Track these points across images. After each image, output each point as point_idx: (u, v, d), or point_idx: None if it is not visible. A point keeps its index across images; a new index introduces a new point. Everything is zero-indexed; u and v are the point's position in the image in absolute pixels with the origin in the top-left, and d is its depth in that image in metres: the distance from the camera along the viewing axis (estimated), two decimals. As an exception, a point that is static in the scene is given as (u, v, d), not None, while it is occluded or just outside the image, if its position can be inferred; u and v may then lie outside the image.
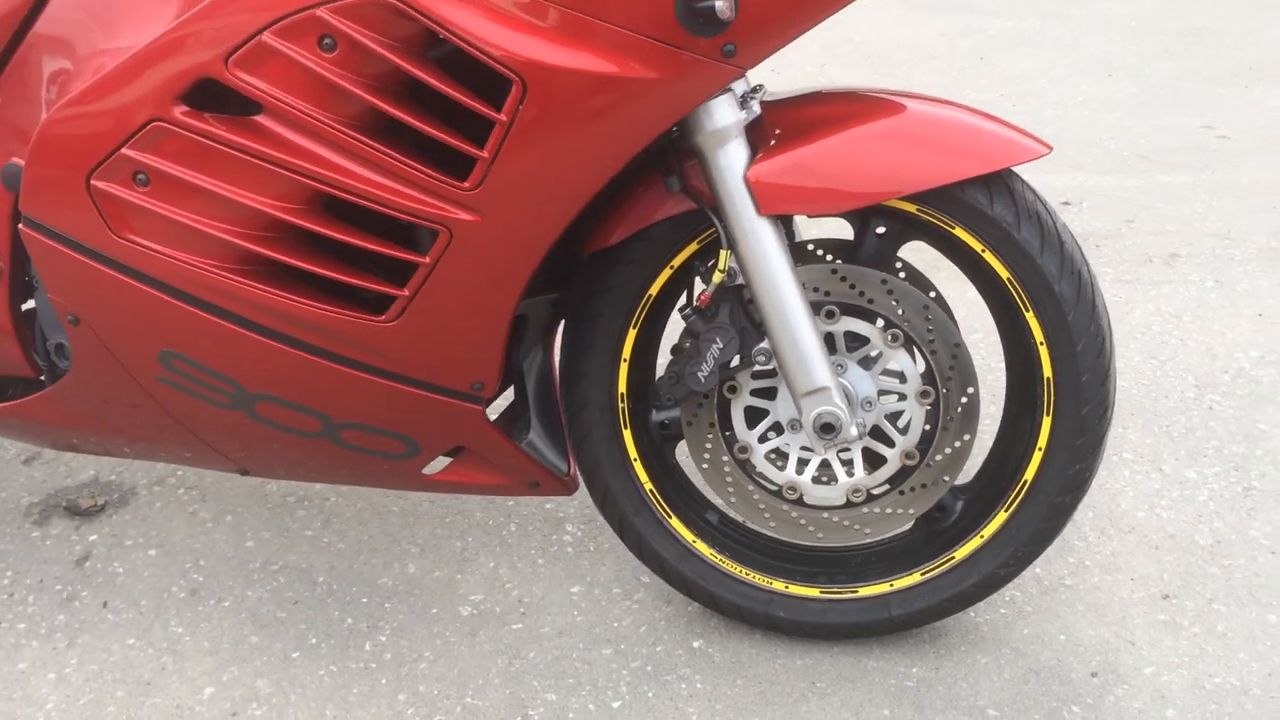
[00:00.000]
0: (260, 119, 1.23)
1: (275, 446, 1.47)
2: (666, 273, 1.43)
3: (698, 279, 1.42)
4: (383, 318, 1.32)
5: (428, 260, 1.27)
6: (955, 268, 1.44)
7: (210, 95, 1.24)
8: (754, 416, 1.47)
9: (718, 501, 1.59)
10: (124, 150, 1.26)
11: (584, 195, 1.25)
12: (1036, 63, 4.10)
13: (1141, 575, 1.68)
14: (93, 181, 1.28)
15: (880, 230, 1.42)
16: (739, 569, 1.54)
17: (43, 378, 1.53)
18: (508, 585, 1.70)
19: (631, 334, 1.46)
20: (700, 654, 1.57)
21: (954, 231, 1.36)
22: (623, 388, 1.49)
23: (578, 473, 1.55)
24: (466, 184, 1.22)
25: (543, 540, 1.79)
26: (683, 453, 1.59)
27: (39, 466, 1.96)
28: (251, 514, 1.84)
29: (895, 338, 1.40)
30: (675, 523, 1.54)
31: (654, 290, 1.44)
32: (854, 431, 1.39)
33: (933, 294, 1.45)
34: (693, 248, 1.42)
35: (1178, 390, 2.13)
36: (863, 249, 1.43)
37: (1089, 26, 4.48)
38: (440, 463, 1.50)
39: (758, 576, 1.54)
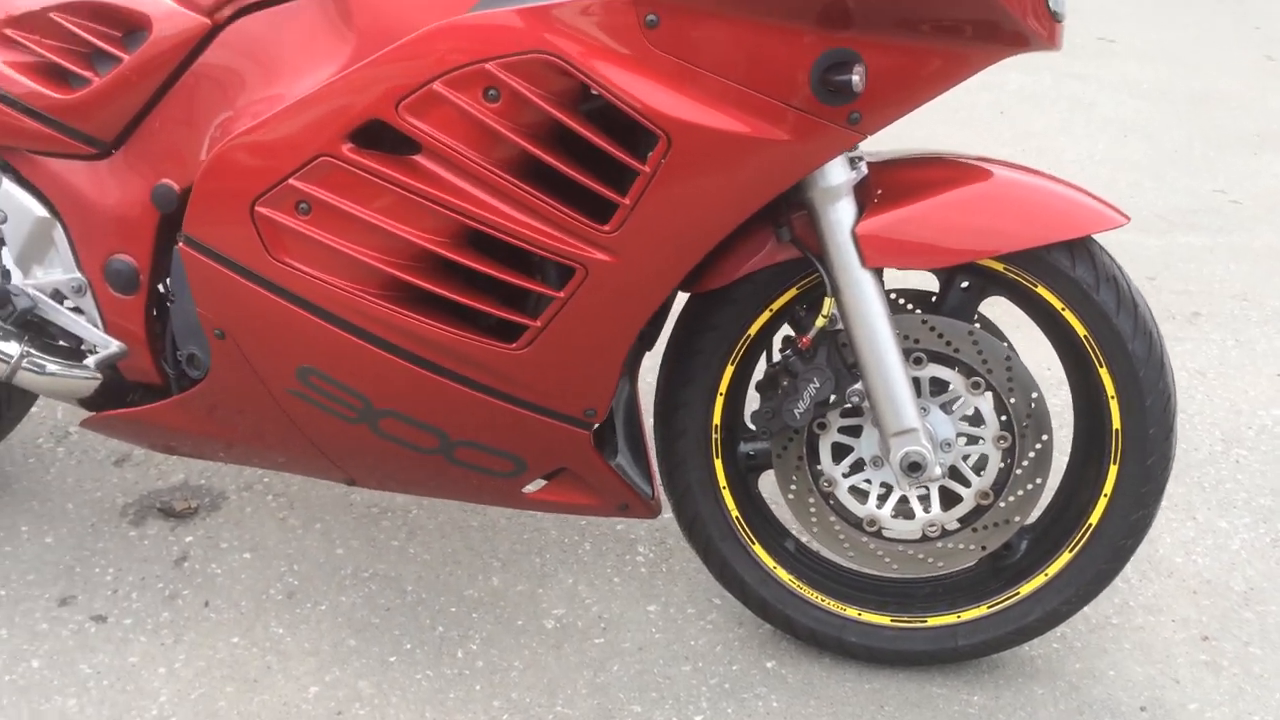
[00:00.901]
0: (418, 158, 1.34)
1: (390, 460, 1.57)
2: (766, 314, 1.54)
3: (793, 321, 1.54)
4: (513, 345, 1.42)
5: (563, 295, 1.38)
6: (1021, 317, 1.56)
7: (373, 134, 1.34)
8: (838, 452, 1.58)
9: (796, 530, 1.70)
10: (291, 180, 1.36)
11: (710, 242, 1.36)
12: (1054, 120, 4.25)
13: (1181, 617, 1.80)
14: (257, 207, 1.38)
15: (964, 284, 1.54)
16: (815, 595, 1.65)
17: (168, 385, 1.63)
18: (587, 601, 1.80)
19: (730, 369, 1.57)
20: (774, 674, 1.67)
21: (1036, 289, 1.48)
22: (717, 419, 1.59)
23: (661, 496, 1.65)
24: (607, 227, 1.33)
25: (617, 560, 1.89)
26: (763, 482, 1.69)
27: (130, 468, 2.05)
28: (339, 522, 1.94)
29: (977, 385, 1.51)
30: (758, 549, 1.64)
31: (753, 330, 1.55)
32: (938, 471, 1.50)
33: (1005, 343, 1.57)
34: (792, 292, 1.53)
35: (1206, 444, 2.25)
36: (946, 301, 1.55)
37: (1102, 85, 4.64)
38: (537, 482, 1.60)
39: (832, 603, 1.65)
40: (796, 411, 1.50)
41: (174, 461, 2.06)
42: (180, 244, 1.45)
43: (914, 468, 1.49)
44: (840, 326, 1.49)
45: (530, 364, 1.43)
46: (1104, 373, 1.49)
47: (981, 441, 1.54)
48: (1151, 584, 1.86)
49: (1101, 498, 1.54)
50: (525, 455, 1.54)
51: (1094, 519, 1.55)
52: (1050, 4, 1.31)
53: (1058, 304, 1.48)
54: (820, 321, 1.47)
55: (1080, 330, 1.48)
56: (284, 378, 1.49)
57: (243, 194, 1.39)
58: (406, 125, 1.32)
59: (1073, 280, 1.46)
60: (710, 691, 1.64)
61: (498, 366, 1.44)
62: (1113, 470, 1.53)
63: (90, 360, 1.57)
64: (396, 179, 1.34)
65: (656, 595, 1.82)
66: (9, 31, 1.51)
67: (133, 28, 1.48)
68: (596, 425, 1.51)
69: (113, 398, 1.69)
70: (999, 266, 1.47)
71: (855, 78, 1.24)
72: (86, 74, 1.49)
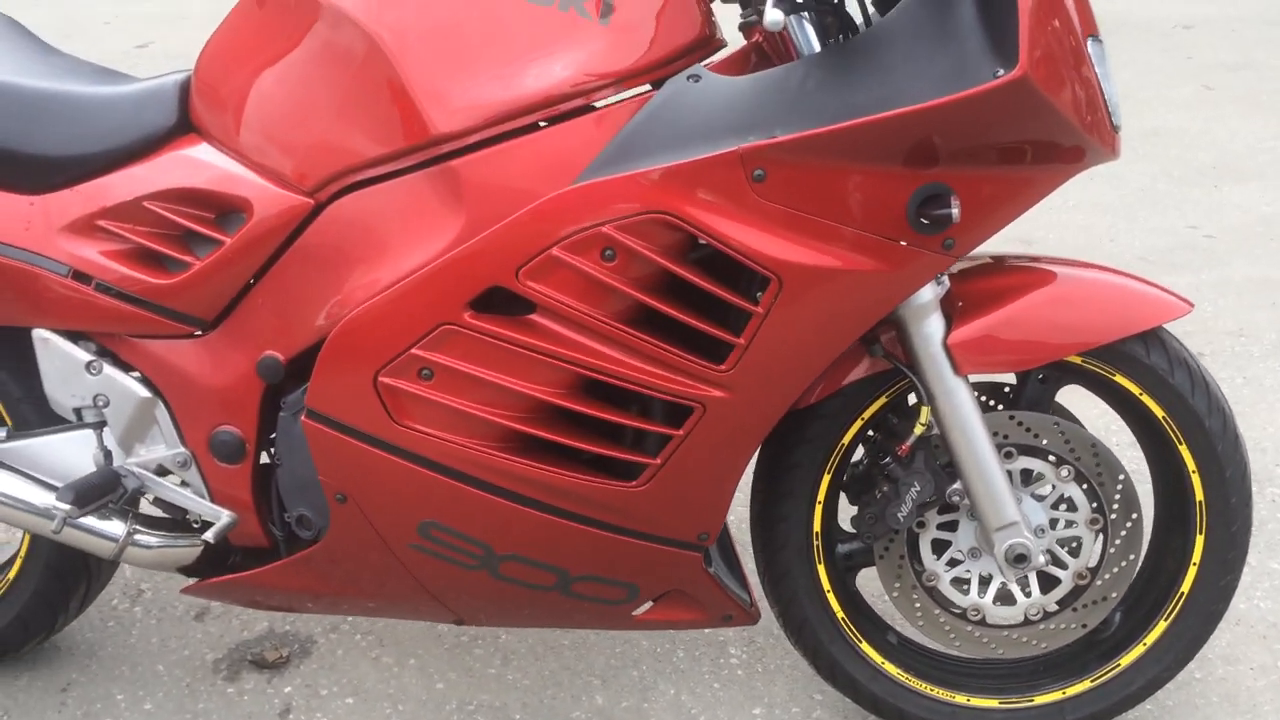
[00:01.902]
0: (535, 317, 1.40)
1: (507, 600, 1.60)
2: (858, 424, 1.61)
3: (885, 428, 1.61)
4: (634, 483, 1.47)
5: (681, 432, 1.44)
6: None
7: (489, 297, 1.40)
8: (937, 547, 1.64)
9: (895, 623, 1.76)
10: (414, 350, 1.41)
11: (818, 369, 1.43)
12: (1019, 168, 4.40)
13: (1259, 664, 1.88)
14: (381, 378, 1.43)
15: (1041, 378, 1.62)
16: (924, 685, 1.71)
17: (276, 547, 1.65)
18: (693, 711, 1.84)
19: (826, 479, 1.63)
20: (890, 765, 1.72)
21: (1114, 378, 1.57)
22: (817, 527, 1.66)
23: (757, 601, 1.70)
24: (723, 366, 1.40)
25: (712, 665, 1.93)
26: (860, 579, 1.75)
27: (211, 621, 2.06)
28: (432, 655, 1.96)
29: (1068, 473, 1.59)
30: (865, 647, 1.70)
31: (846, 440, 1.62)
32: (1041, 560, 1.57)
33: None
34: (881, 401, 1.60)
35: (1239, 485, 2.35)
36: (1024, 394, 1.63)
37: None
38: (645, 604, 1.64)
39: (941, 691, 1.71)
40: (900, 515, 1.57)
41: (252, 613, 2.07)
42: (303, 417, 1.48)
43: (1020, 559, 1.56)
44: (934, 430, 1.56)
45: (650, 499, 1.49)
46: (1184, 449, 1.58)
47: (1075, 525, 1.61)
48: (1223, 634, 1.94)
49: (1191, 566, 1.62)
50: (639, 582, 1.59)
51: (1186, 587, 1.63)
52: (1112, 119, 1.41)
53: (1135, 389, 1.57)
54: (919, 429, 1.54)
55: (1159, 412, 1.57)
56: (406, 534, 1.53)
57: (366, 366, 1.43)
58: (527, 290, 1.37)
59: (1149, 367, 1.55)
60: (834, 791, 1.68)
61: (618, 504, 1.49)
62: (1199, 540, 1.61)
63: (209, 532, 1.59)
64: (516, 339, 1.40)
65: (759, 697, 1.86)
66: (102, 222, 1.54)
67: (229, 210, 1.52)
68: (710, 546, 1.57)
69: (213, 563, 1.72)
70: (1077, 359, 1.56)
71: (954, 210, 1.32)
72: (185, 258, 1.53)
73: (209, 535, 1.59)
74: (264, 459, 1.62)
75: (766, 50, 1.51)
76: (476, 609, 1.65)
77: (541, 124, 1.40)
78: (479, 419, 1.44)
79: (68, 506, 1.54)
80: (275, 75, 1.49)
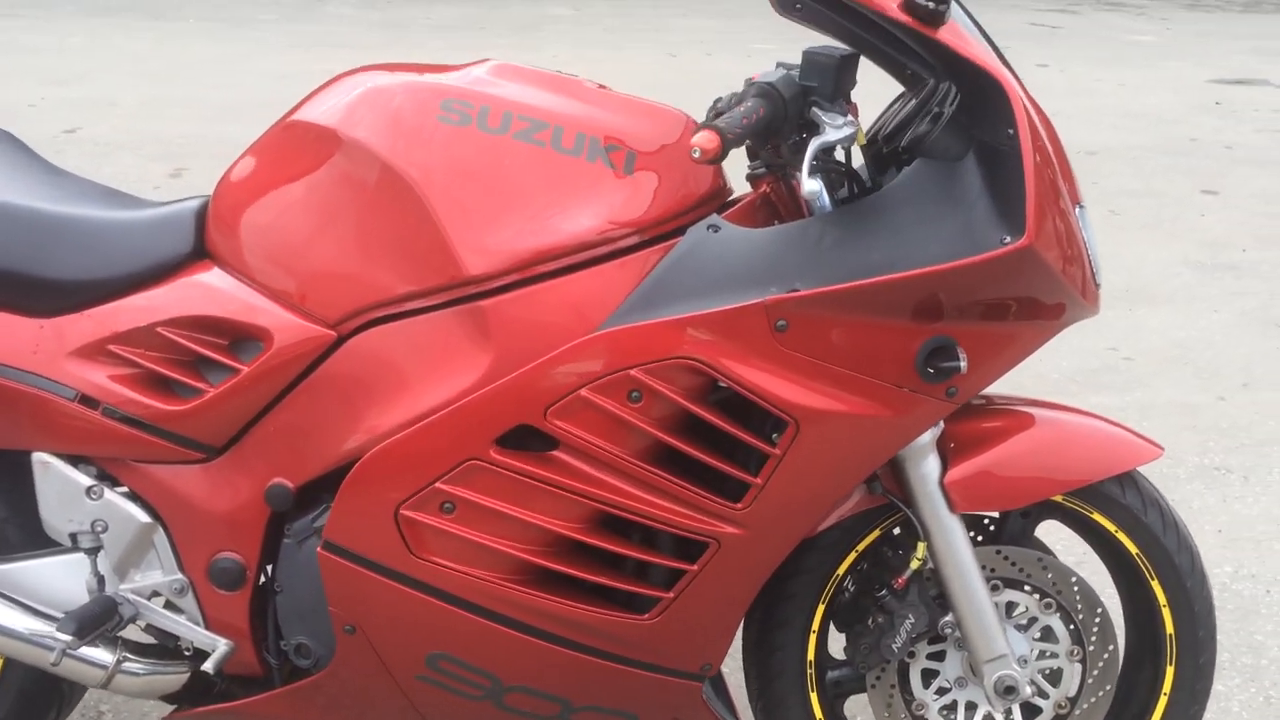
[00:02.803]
0: (557, 454, 1.44)
1: (506, 730, 1.61)
2: (852, 556, 1.67)
3: (878, 560, 1.67)
4: (645, 616, 1.51)
5: (695, 568, 1.48)
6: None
7: (513, 435, 1.43)
8: (925, 676, 1.70)
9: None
10: (438, 484, 1.44)
11: (827, 507, 1.50)
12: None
13: (1216, 787, 1.96)
14: (402, 511, 1.45)
15: (1024, 514, 1.70)
16: (912, 811, 1.75)
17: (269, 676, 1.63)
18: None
19: (820, 609, 1.68)
20: None
21: (1092, 515, 1.66)
22: (811, 656, 1.70)
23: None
24: (739, 505, 1.45)
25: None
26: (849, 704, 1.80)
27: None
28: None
29: (1049, 606, 1.67)
30: (855, 774, 1.74)
31: (840, 570, 1.68)
32: (1029, 691, 1.63)
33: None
34: (876, 534, 1.66)
35: (1179, 607, 2.46)
36: (1005, 529, 1.71)
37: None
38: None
39: (928, 816, 1.75)
40: (895, 646, 1.62)
41: None
42: (319, 549, 1.49)
43: (1009, 691, 1.62)
44: (928, 564, 1.62)
45: (659, 631, 1.52)
46: (1155, 584, 1.67)
47: (1056, 655, 1.68)
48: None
49: (1162, 697, 1.70)
50: (639, 712, 1.61)
51: (1156, 717, 1.71)
52: (1095, 279, 1.52)
53: (1111, 527, 1.66)
54: (915, 564, 1.60)
55: (1133, 549, 1.66)
56: (414, 665, 1.53)
57: (388, 499, 1.45)
58: (553, 428, 1.41)
59: (1124, 506, 1.65)
60: None
61: (627, 636, 1.52)
62: (1169, 671, 1.69)
63: (209, 661, 1.57)
64: (539, 475, 1.43)
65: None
66: (113, 347, 1.54)
67: (245, 338, 1.54)
68: (711, 677, 1.60)
69: (198, 690, 1.69)
70: (1059, 498, 1.65)
71: (962, 362, 1.40)
72: (198, 384, 1.53)
73: (209, 665, 1.57)
74: (260, 585, 1.61)
75: (773, 200, 1.60)
76: (473, 740, 1.65)
77: (568, 268, 1.45)
78: (497, 552, 1.47)
79: (69, 638, 1.51)
80: (300, 207, 1.52)
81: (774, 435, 1.45)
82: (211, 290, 1.55)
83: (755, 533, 1.47)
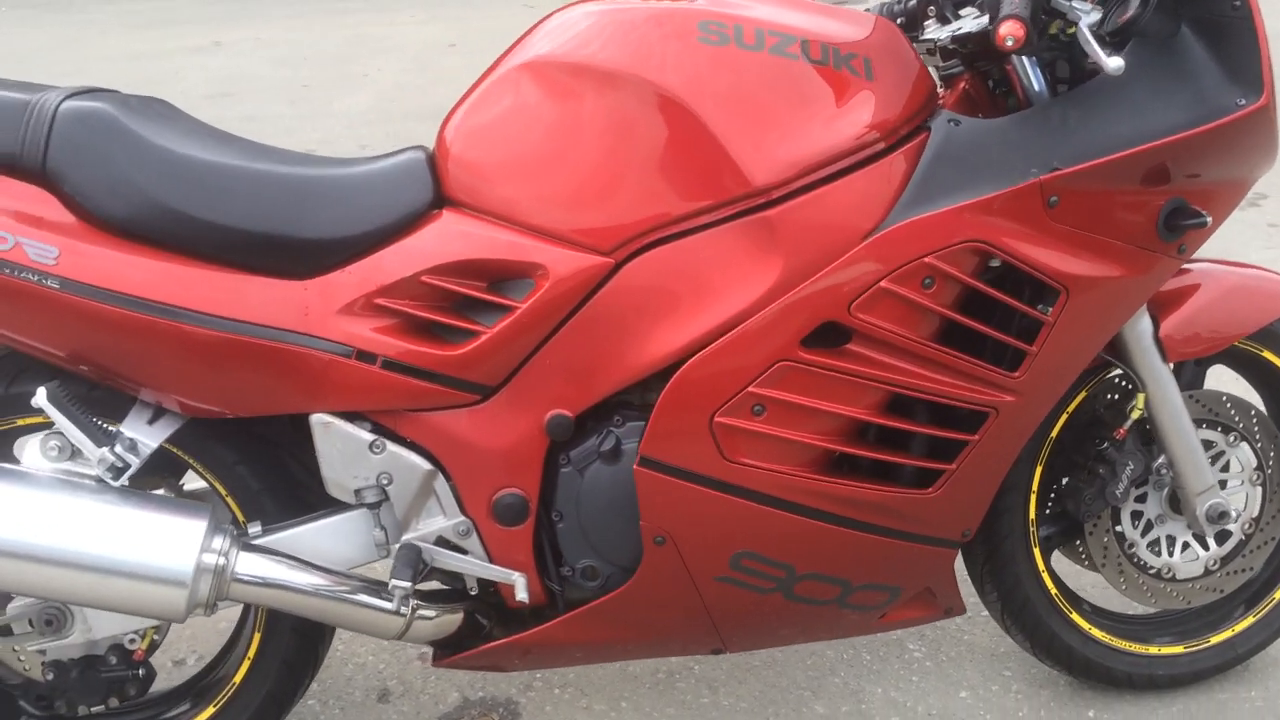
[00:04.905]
0: (852, 345, 1.53)
1: (784, 620, 1.70)
2: (1064, 417, 1.82)
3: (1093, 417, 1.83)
4: (930, 490, 1.62)
5: (976, 438, 1.60)
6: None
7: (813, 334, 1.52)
8: (1133, 518, 1.87)
9: (1085, 595, 1.97)
10: (750, 388, 1.51)
11: (1080, 370, 1.63)
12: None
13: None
14: (716, 418, 1.52)
15: (1197, 362, 1.88)
16: (1123, 643, 1.93)
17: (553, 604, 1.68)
18: (908, 704, 1.98)
19: (1039, 470, 1.83)
20: (1100, 720, 1.93)
21: (1262, 354, 1.85)
22: (1032, 515, 1.85)
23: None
24: (1017, 373, 1.57)
25: (899, 661, 2.08)
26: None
27: (397, 701, 2.02)
28: (640, 696, 2.02)
29: (1234, 438, 1.85)
30: (1075, 616, 1.90)
31: (1054, 433, 1.82)
32: (1234, 514, 1.82)
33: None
34: (1084, 394, 1.81)
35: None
36: (1181, 375, 1.88)
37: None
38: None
39: (1137, 646, 1.93)
40: (1118, 492, 1.79)
41: (443, 683, 2.06)
42: (635, 465, 1.54)
43: (1221, 516, 1.81)
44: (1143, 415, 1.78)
45: (940, 503, 1.63)
46: (1314, 413, 1.88)
47: (1240, 483, 1.87)
48: None
49: (1319, 516, 1.92)
50: (904, 584, 1.73)
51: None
52: None
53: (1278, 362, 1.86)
54: (1136, 414, 1.76)
55: (1297, 382, 1.87)
56: (717, 567, 1.61)
57: (703, 409, 1.52)
58: (855, 321, 1.50)
59: (1290, 343, 1.85)
60: (1067, 750, 1.87)
61: (911, 510, 1.63)
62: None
63: (520, 593, 1.60)
64: (841, 367, 1.52)
65: (958, 681, 2.03)
66: (381, 300, 1.55)
67: (512, 276, 1.56)
68: (968, 542, 1.73)
69: (468, 634, 1.73)
70: (1239, 342, 1.83)
71: (1208, 218, 1.55)
72: (472, 327, 1.56)
73: (521, 596, 1.60)
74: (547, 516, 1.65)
75: (971, 94, 1.71)
76: (747, 634, 1.74)
77: (839, 173, 1.53)
78: (802, 445, 1.55)
79: (407, 584, 1.53)
80: (561, 143, 1.55)
81: (1039, 307, 1.57)
82: (469, 235, 1.56)
83: (1028, 399, 1.59)
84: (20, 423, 1.60)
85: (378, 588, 1.62)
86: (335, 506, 1.64)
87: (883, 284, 1.50)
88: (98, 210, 1.47)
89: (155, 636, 1.67)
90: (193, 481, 1.74)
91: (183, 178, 1.50)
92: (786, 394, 1.52)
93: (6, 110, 1.47)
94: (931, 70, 1.67)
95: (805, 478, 1.57)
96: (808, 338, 1.52)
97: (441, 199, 1.59)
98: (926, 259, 1.50)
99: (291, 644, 1.73)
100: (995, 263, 1.55)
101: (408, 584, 1.55)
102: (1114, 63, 1.42)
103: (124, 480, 1.51)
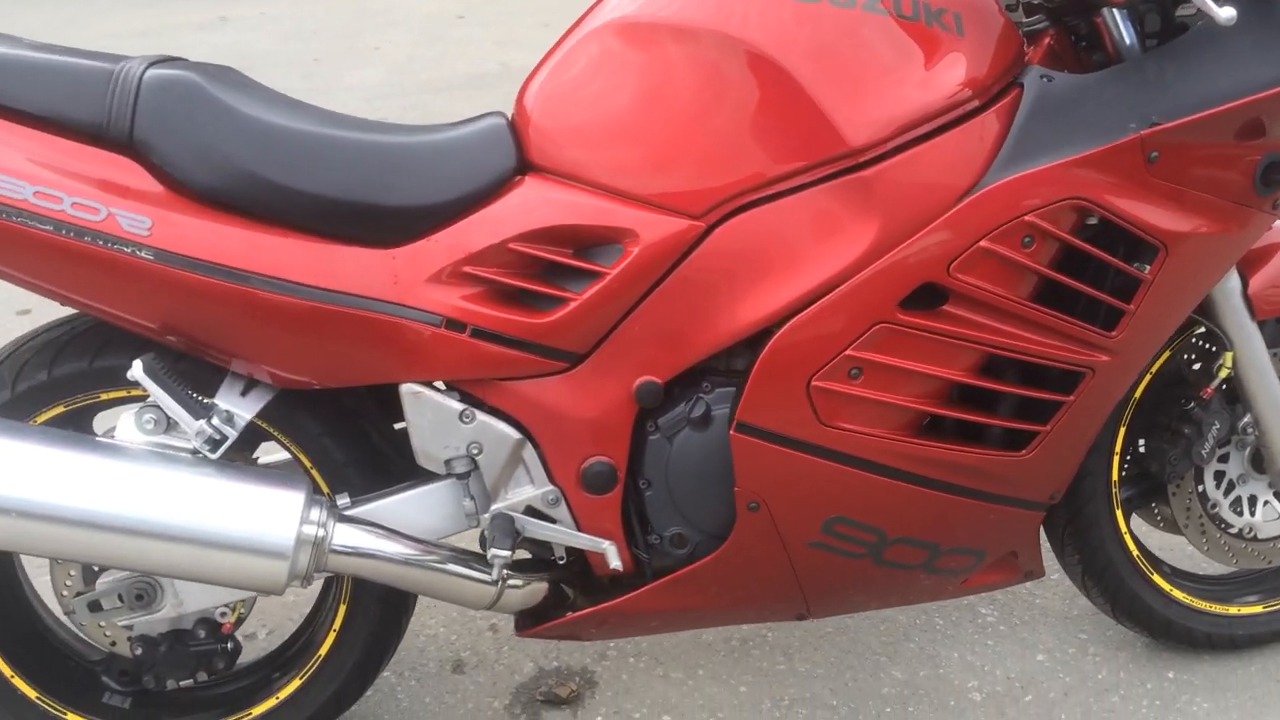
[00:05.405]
0: (949, 307, 1.51)
1: (870, 585, 1.69)
2: (1148, 378, 1.80)
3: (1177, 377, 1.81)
4: (1024, 452, 1.60)
5: (1072, 398, 1.58)
6: None
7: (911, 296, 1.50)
8: (1215, 478, 1.86)
9: (1165, 556, 1.97)
10: (848, 351, 1.49)
11: (1176, 326, 1.62)
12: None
13: None
14: (814, 382, 1.50)
15: (1278, 320, 1.87)
16: (1203, 604, 1.92)
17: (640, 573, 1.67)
18: (986, 667, 1.98)
19: (1122, 431, 1.82)
20: (1181, 682, 1.93)
21: (1344, 308, 1.83)
22: (1115, 476, 1.84)
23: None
24: (1114, 333, 1.55)
25: (973, 626, 2.08)
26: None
27: (472, 672, 2.02)
28: (716, 664, 2.01)
29: (1317, 396, 1.84)
30: (1156, 578, 1.90)
31: (1138, 394, 1.81)
32: (1321, 471, 1.82)
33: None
34: (1167, 354, 1.80)
35: None
36: (1264, 333, 1.87)
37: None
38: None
39: (1217, 606, 1.93)
40: (1203, 451, 1.77)
41: (510, 654, 2.05)
42: (732, 431, 1.53)
43: (1309, 473, 1.80)
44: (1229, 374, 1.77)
45: (1033, 465, 1.62)
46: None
47: (1324, 440, 1.87)
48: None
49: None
50: (990, 548, 1.72)
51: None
52: None
53: (1357, 318, 1.84)
54: (1224, 373, 1.75)
55: (1379, 328, 1.85)
56: (809, 533, 1.60)
57: (800, 373, 1.50)
58: (954, 282, 1.48)
59: (1372, 299, 1.83)
60: (1151, 711, 1.87)
61: (1004, 473, 1.62)
62: None
63: (612, 561, 1.59)
64: (939, 329, 1.51)
65: (1033, 644, 2.02)
66: (469, 269, 1.52)
67: (600, 242, 1.54)
68: (1056, 505, 1.72)
69: (554, 602, 1.72)
70: (1320, 299, 1.82)
71: (1297, 172, 1.53)
72: (561, 294, 1.54)
73: (614, 563, 1.59)
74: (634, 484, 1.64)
75: (1057, 51, 1.68)
76: (832, 601, 1.73)
77: (934, 132, 1.51)
78: (898, 408, 1.54)
79: (507, 553, 1.52)
80: (648, 106, 1.52)
81: (1136, 264, 1.55)
82: (555, 201, 1.54)
83: (1123, 358, 1.58)
84: (104, 397, 1.58)
85: (468, 557, 1.61)
86: (422, 477, 1.62)
87: (982, 243, 1.47)
88: (187, 179, 1.45)
89: (243, 610, 1.66)
90: (265, 454, 1.73)
91: (272, 146, 1.47)
92: (884, 356, 1.51)
93: (91, 79, 1.45)
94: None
95: (900, 441, 1.55)
96: (905, 299, 1.50)
97: (524, 165, 1.57)
98: (1027, 217, 1.48)
99: (378, 615, 1.72)
100: (1092, 220, 1.53)
101: (508, 553, 1.53)
102: (1225, 13, 1.39)
103: (220, 453, 1.49)
